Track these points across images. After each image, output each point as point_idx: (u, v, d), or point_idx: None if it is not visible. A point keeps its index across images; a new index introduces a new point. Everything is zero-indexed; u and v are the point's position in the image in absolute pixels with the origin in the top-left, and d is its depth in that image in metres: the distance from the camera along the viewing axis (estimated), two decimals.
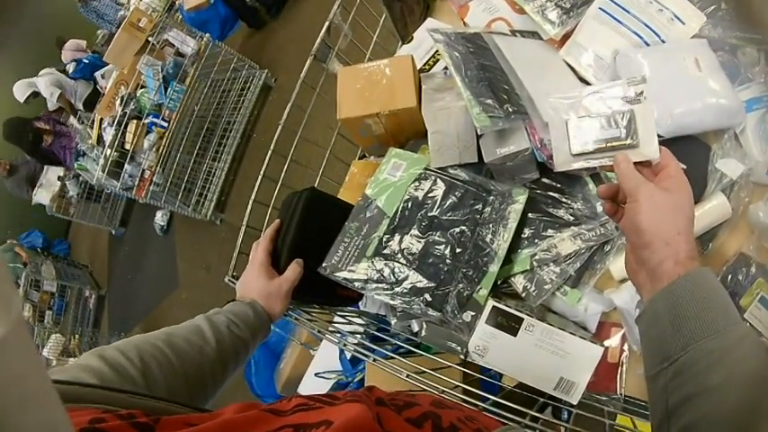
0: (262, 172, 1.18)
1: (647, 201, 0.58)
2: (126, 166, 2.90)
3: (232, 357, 0.80)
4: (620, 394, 0.89)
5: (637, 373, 0.89)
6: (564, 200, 0.95)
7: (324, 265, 0.95)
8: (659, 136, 0.89)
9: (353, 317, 1.16)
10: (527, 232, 0.95)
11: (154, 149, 2.89)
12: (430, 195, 0.97)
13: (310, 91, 1.24)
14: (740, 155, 0.89)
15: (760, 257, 0.84)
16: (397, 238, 0.94)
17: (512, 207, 0.93)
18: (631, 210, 0.60)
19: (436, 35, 1.07)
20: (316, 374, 1.75)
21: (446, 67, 1.17)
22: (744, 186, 0.88)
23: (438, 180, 0.99)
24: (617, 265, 0.91)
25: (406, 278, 0.90)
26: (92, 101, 3.83)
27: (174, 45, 2.97)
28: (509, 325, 0.84)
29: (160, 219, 4.00)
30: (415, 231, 0.94)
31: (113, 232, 4.91)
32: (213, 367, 0.76)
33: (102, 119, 3.11)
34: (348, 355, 1.69)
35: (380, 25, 1.41)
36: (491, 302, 0.85)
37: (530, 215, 0.95)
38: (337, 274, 0.94)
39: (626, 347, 0.91)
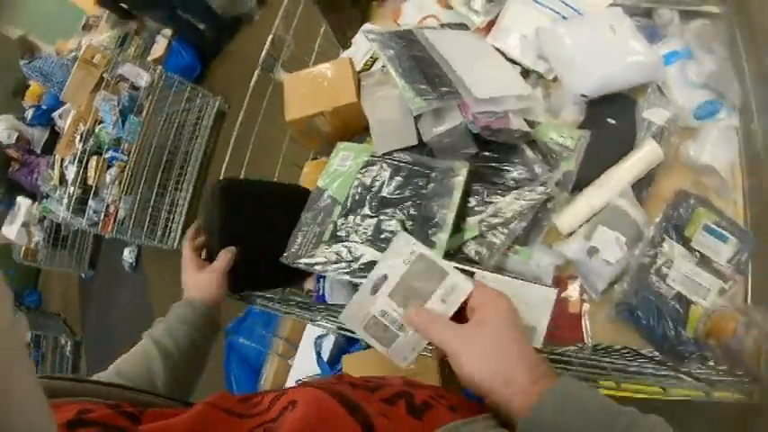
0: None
1: (465, 351, 0.51)
2: (90, 202, 2.91)
3: (188, 357, 0.83)
4: (589, 342, 0.92)
5: (599, 318, 0.92)
6: (504, 167, 1.01)
7: (284, 255, 1.00)
8: (584, 96, 1.01)
9: (327, 321, 1.20)
10: (473, 202, 1.00)
11: (116, 183, 2.91)
12: (377, 179, 1.03)
13: (261, 103, 1.30)
14: (665, 103, 0.98)
15: (698, 191, 0.91)
16: (350, 219, 1.00)
17: (454, 180, 0.99)
18: (454, 364, 0.52)
19: (371, 35, 1.15)
20: (296, 382, 1.77)
21: (383, 66, 1.25)
22: (673, 131, 0.96)
23: (384, 165, 1.05)
24: (561, 219, 0.97)
25: (362, 255, 0.95)
26: (50, 144, 3.82)
27: (128, 79, 3.00)
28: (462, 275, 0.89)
29: (128, 256, 3.96)
30: (366, 211, 1.00)
31: (83, 275, 4.84)
32: (171, 376, 0.78)
33: (62, 159, 3.12)
34: (325, 357, 1.73)
35: (320, 35, 1.49)
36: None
37: (474, 186, 1.01)
38: (298, 262, 0.99)
39: (585, 296, 0.94)
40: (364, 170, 1.06)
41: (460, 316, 0.56)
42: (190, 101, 3.53)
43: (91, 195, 2.89)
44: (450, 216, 0.96)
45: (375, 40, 1.12)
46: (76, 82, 2.93)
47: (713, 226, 0.86)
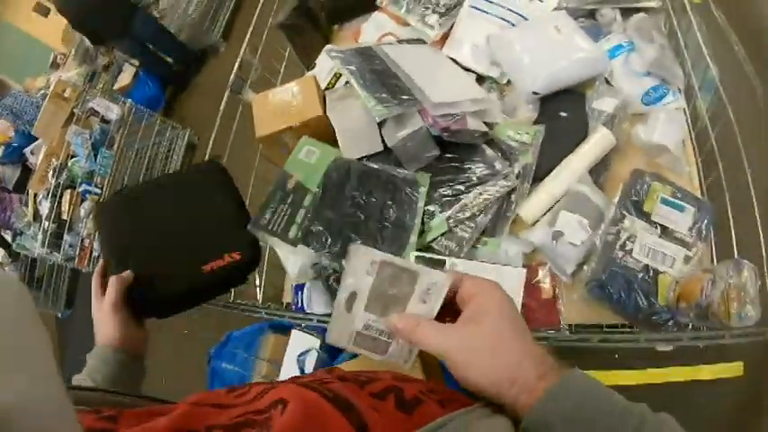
0: None
1: (461, 355, 0.47)
2: (65, 236, 2.89)
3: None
4: (564, 325, 0.94)
5: (573, 299, 0.96)
6: (466, 166, 1.07)
7: (252, 222, 0.99)
8: (536, 93, 1.08)
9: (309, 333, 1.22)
10: (440, 200, 1.05)
11: (91, 217, 2.91)
12: (347, 181, 1.07)
13: (232, 127, 1.35)
14: (613, 94, 1.05)
15: (651, 169, 0.97)
16: (322, 216, 1.03)
17: (420, 190, 1.05)
18: (451, 370, 0.48)
19: (332, 53, 1.22)
20: None
21: (346, 81, 1.31)
22: (623, 118, 1.02)
23: (352, 167, 1.09)
24: (525, 209, 1.01)
25: (337, 245, 1.00)
26: (22, 182, 3.79)
27: (98, 113, 3.04)
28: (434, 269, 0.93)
29: None
30: (337, 211, 1.04)
31: (59, 315, 4.75)
32: None
33: (36, 194, 3.11)
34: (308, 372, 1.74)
35: (286, 58, 1.55)
36: (413, 254, 0.96)
37: (440, 185, 1.06)
38: (269, 237, 1.01)
39: (556, 280, 0.97)
40: (334, 169, 1.09)
41: (449, 309, 0.52)
42: (160, 134, 3.54)
43: (66, 230, 2.89)
44: (417, 221, 1.02)
45: (337, 58, 1.19)
46: (48, 116, 2.94)
47: (669, 198, 0.91)
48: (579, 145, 1.01)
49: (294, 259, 1.11)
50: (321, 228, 1.02)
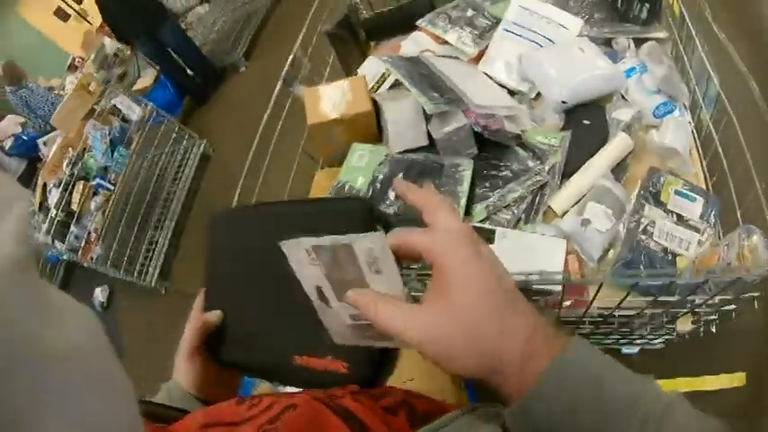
0: (237, 192, 1.25)
1: (436, 346, 0.39)
2: (72, 227, 2.91)
3: None
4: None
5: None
6: (502, 164, 1.20)
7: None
8: (564, 102, 1.23)
9: None
10: (480, 191, 1.17)
11: (100, 212, 2.96)
12: (393, 173, 1.21)
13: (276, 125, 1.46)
14: (628, 107, 1.21)
15: (664, 167, 1.11)
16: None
17: (464, 173, 1.17)
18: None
19: (383, 58, 1.36)
20: None
21: (391, 86, 1.46)
22: (639, 129, 1.18)
23: (399, 161, 1.23)
24: (556, 202, 1.14)
25: None
26: (27, 176, 3.79)
27: (119, 111, 3.12)
28: (486, 237, 1.04)
29: (99, 295, 3.74)
30: (387, 202, 1.16)
31: None
32: None
33: (45, 183, 3.10)
34: None
35: (330, 64, 1.71)
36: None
37: (479, 179, 1.19)
38: None
39: (583, 267, 1.06)
40: (382, 166, 1.23)
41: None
42: (176, 142, 3.61)
43: (74, 221, 2.92)
44: (462, 202, 1.13)
45: (387, 62, 1.33)
46: (68, 108, 2.98)
47: (682, 189, 1.05)
48: (601, 147, 1.15)
49: None
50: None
